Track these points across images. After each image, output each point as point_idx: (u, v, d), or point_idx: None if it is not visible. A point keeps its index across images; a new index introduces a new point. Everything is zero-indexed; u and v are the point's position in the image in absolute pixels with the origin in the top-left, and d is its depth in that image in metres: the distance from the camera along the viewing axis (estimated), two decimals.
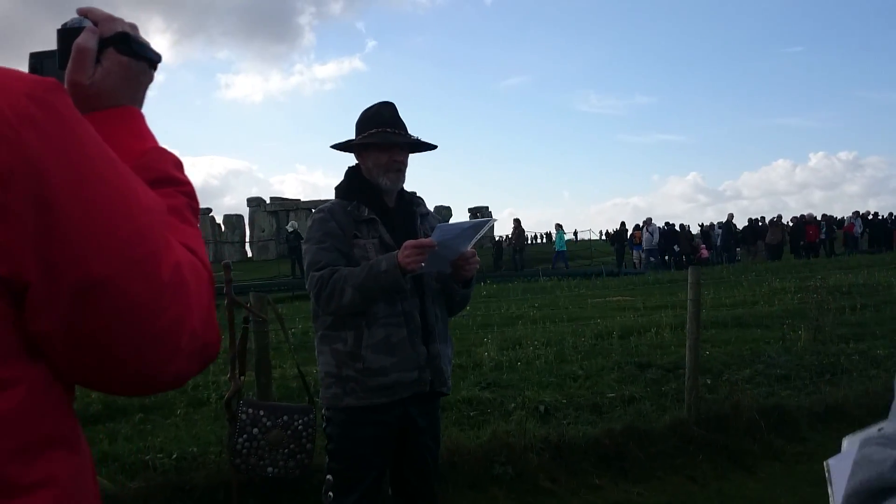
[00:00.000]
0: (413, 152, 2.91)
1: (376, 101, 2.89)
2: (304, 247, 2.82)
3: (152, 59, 1.15)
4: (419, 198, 3.01)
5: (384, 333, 2.69)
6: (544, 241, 50.74)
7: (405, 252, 2.54)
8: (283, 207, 42.87)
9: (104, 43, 1.09)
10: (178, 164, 1.12)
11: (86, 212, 0.81)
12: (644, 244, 26.79)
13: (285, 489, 4.02)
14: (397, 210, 2.89)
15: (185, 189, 1.10)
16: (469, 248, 2.70)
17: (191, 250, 0.98)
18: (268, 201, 43.95)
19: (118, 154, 0.91)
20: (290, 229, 27.16)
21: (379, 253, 2.71)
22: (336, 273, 2.63)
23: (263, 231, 42.68)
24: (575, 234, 51.16)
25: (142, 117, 1.14)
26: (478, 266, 2.78)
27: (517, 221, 28.89)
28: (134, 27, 1.13)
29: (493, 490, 4.34)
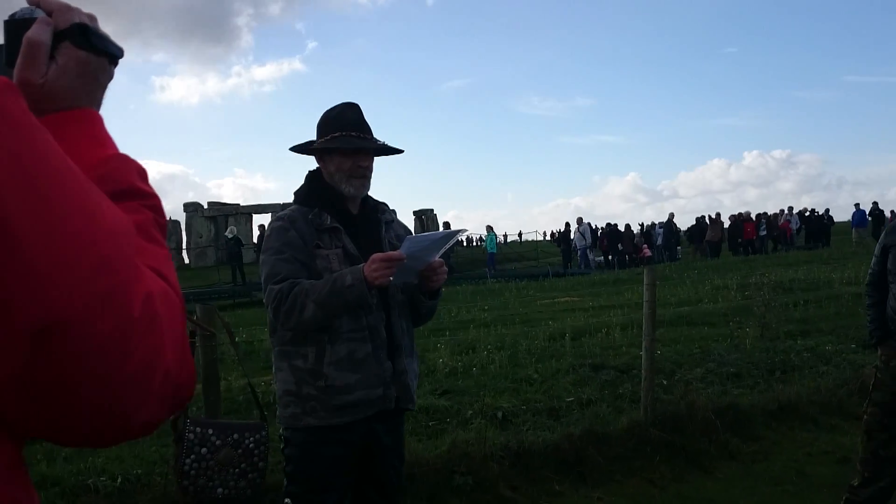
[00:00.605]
0: (377, 156, 2.78)
1: (339, 102, 2.74)
2: (261, 257, 2.66)
3: (113, 55, 1.02)
4: (384, 204, 2.88)
5: (348, 349, 2.56)
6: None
7: (373, 266, 2.41)
8: (221, 212, 41.95)
9: (59, 36, 0.95)
10: (143, 174, 0.99)
11: (45, 238, 0.68)
12: (577, 243, 27.10)
13: None
14: (361, 218, 2.75)
15: (152, 202, 0.97)
16: (437, 258, 2.60)
17: (160, 275, 0.86)
18: (205, 206, 42.98)
19: (76, 163, 0.78)
20: (230, 235, 26.63)
21: (343, 263, 2.58)
22: (296, 286, 2.49)
23: (201, 237, 41.72)
24: (520, 235, 51.48)
25: (101, 120, 1.01)
26: (446, 276, 2.68)
27: (447, 224, 28.74)
28: (93, 18, 0.99)
29: (453, 501, 4.24)
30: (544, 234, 52.90)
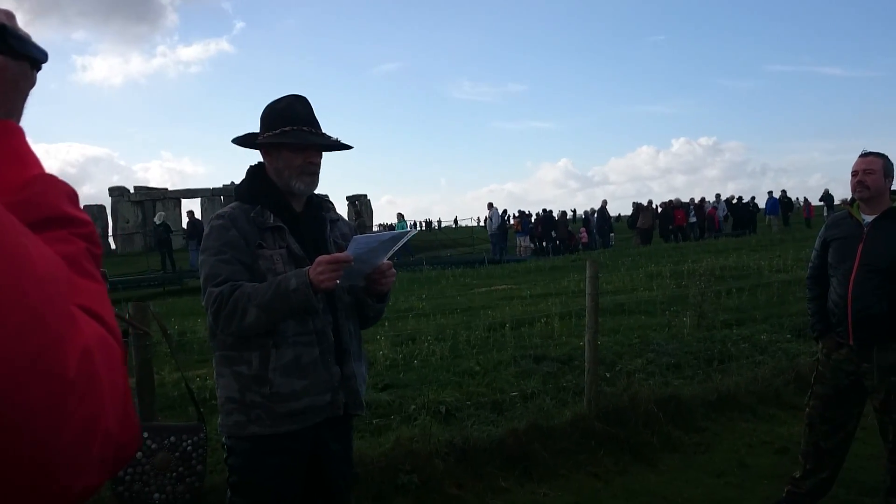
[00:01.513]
0: (325, 151, 2.64)
1: (287, 94, 2.59)
2: (200, 258, 2.50)
3: (36, 58, 0.88)
4: (329, 202, 2.75)
5: (294, 354, 2.43)
6: (423, 228, 50.88)
7: (318, 269, 2.28)
8: (148, 197, 40.79)
9: None
10: (73, 197, 0.86)
11: None
12: (488, 229, 27.40)
13: None
14: (306, 216, 2.61)
15: (84, 231, 0.83)
16: (385, 260, 2.48)
17: (95, 316, 0.73)
18: (132, 191, 41.69)
19: None
20: (159, 221, 25.89)
21: (287, 264, 2.44)
22: (238, 289, 2.34)
23: (128, 222, 40.47)
24: (455, 221, 51.54)
25: (22, 134, 0.86)
26: (394, 279, 2.57)
27: (357, 211, 28.82)
28: (10, 15, 0.85)
29: (399, 500, 4.15)
30: (478, 219, 53.05)
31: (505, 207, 31.16)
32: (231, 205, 2.58)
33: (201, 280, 2.46)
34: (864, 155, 3.81)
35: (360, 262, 2.38)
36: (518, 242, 28.95)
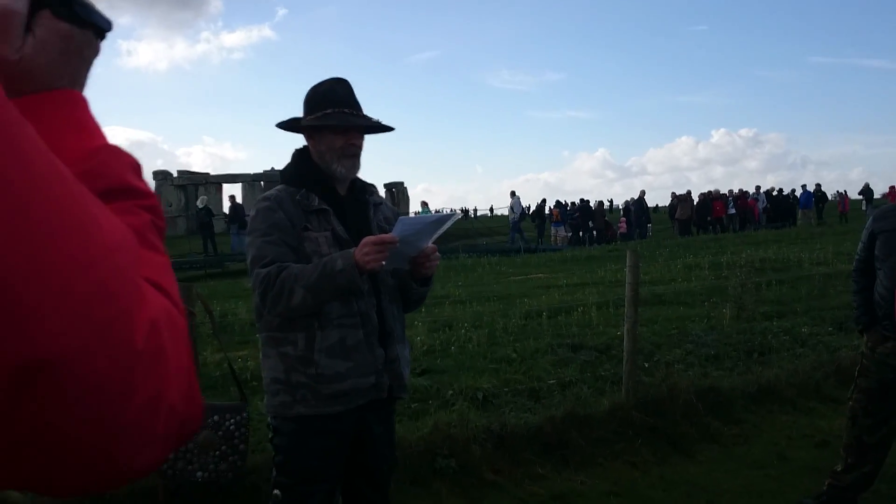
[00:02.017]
0: (367, 134, 2.66)
1: (328, 77, 2.60)
2: (247, 239, 2.54)
3: (101, 27, 0.87)
4: (372, 186, 2.77)
5: (339, 335, 2.46)
6: (460, 215, 50.82)
7: (364, 249, 2.30)
8: (191, 181, 41.28)
9: (37, 4, 0.80)
10: (137, 169, 0.86)
11: (29, 262, 0.55)
12: (509, 218, 27.32)
13: (217, 494, 3.75)
14: (350, 199, 2.64)
15: (148, 203, 0.83)
16: (430, 243, 2.50)
17: (160, 289, 0.73)
18: (175, 175, 42.25)
19: (58, 155, 0.64)
20: (201, 205, 26.20)
21: (332, 247, 2.47)
22: (284, 271, 2.38)
23: (171, 206, 41.03)
24: (491, 209, 51.43)
25: (87, 104, 0.86)
26: (438, 262, 2.58)
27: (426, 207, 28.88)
28: None
29: (437, 484, 4.18)
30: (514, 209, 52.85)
31: (544, 197, 31.13)
32: (277, 188, 2.61)
33: (248, 261, 2.51)
34: None
35: (405, 245, 2.40)
36: (553, 232, 28.81)
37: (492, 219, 42.96)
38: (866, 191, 32.66)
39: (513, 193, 27.47)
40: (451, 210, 27.88)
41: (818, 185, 30.98)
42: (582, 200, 28.76)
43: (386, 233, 2.54)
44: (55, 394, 0.57)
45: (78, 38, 0.84)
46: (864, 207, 32.47)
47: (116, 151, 0.85)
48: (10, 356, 0.55)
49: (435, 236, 2.48)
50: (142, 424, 0.64)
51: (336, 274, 2.32)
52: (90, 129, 0.85)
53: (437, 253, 2.56)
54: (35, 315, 0.55)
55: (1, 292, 0.54)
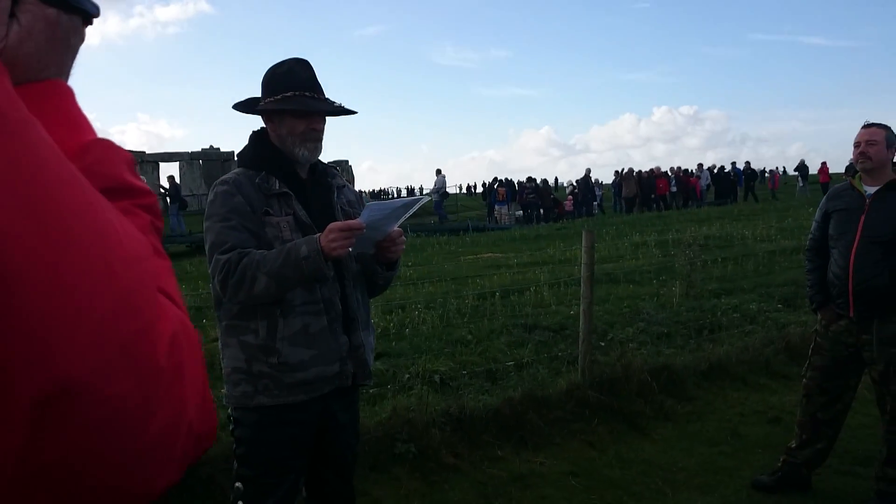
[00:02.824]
0: (329, 116, 2.56)
1: (288, 57, 2.51)
2: (205, 224, 2.42)
3: (88, 12, 0.80)
4: (334, 168, 2.68)
5: (302, 323, 2.38)
6: (393, 196, 50.61)
7: (330, 236, 2.22)
8: None
9: None
10: (131, 164, 0.79)
11: (49, 276, 0.50)
12: (432, 199, 27.42)
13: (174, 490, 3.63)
14: (312, 182, 2.55)
15: (146, 201, 0.77)
16: (396, 227, 2.43)
17: (169, 298, 0.67)
18: None
19: None
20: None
21: (294, 231, 2.39)
22: (246, 257, 2.28)
23: None
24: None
25: (73, 96, 0.79)
26: (404, 246, 2.51)
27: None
28: None
29: (396, 469, 4.14)
30: (460, 187, 52.83)
31: (495, 175, 31.21)
32: (235, 171, 2.51)
33: (206, 247, 2.40)
34: (867, 126, 3.78)
35: (371, 230, 2.33)
36: (498, 211, 28.84)
37: (424, 196, 42.84)
38: (801, 167, 33.29)
39: (438, 171, 27.33)
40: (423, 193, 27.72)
41: (747, 163, 31.19)
42: (530, 179, 28.87)
43: (349, 216, 2.46)
44: (75, 422, 0.52)
45: (65, 25, 0.78)
46: (799, 184, 33.17)
47: (110, 146, 0.78)
48: (32, 387, 0.49)
49: (401, 220, 2.41)
50: (162, 446, 0.60)
51: (300, 261, 2.23)
52: (79, 122, 0.78)
53: (404, 237, 2.49)
54: (57, 337, 0.50)
55: (22, 317, 0.48)
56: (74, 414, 0.52)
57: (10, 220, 0.48)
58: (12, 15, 0.73)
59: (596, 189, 29.58)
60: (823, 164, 31.74)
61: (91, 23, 0.82)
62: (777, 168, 36.32)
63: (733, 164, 31.04)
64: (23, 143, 0.51)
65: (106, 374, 0.53)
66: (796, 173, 34.64)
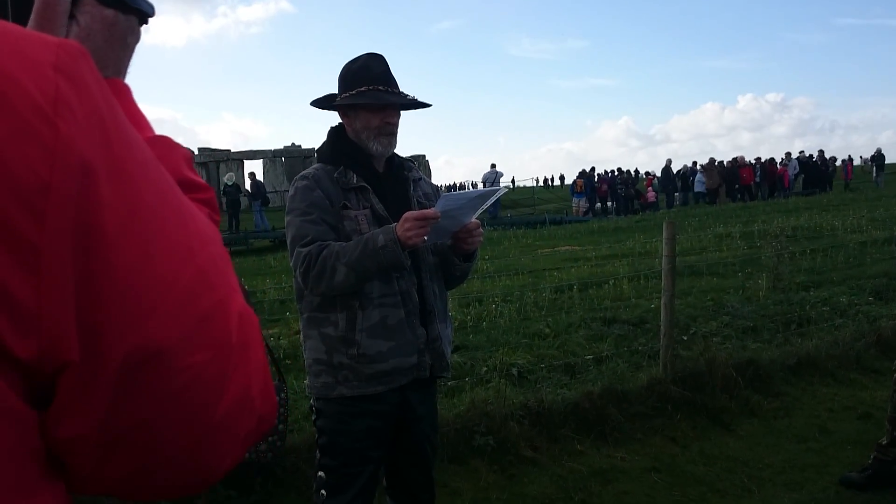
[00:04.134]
0: (404, 110, 2.59)
1: (363, 53, 2.54)
2: (286, 218, 2.49)
3: (145, 13, 0.83)
4: (410, 162, 2.71)
5: (380, 315, 2.41)
6: (467, 189, 50.61)
7: (406, 225, 2.25)
8: (213, 158, 41.31)
9: None
10: (190, 161, 0.82)
11: (142, 249, 0.54)
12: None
13: (257, 475, 3.75)
14: (388, 176, 2.58)
15: (205, 196, 0.80)
16: (473, 218, 2.43)
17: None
18: (196, 152, 42.29)
19: None
20: (230, 182, 26.13)
21: (371, 224, 2.42)
22: (326, 249, 2.33)
23: None
24: (513, 181, 51.23)
25: (131, 94, 0.82)
26: (482, 239, 2.52)
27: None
28: None
29: (475, 462, 4.15)
30: (537, 180, 52.43)
31: (582, 167, 30.63)
32: (314, 166, 2.57)
33: (288, 241, 2.46)
34: None
35: (447, 219, 2.34)
36: (575, 203, 28.50)
37: (514, 191, 42.65)
38: (877, 156, 31.31)
39: (492, 165, 26.85)
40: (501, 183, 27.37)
41: (821, 152, 29.52)
42: (620, 171, 28.39)
43: (425, 208, 2.48)
44: (157, 388, 0.55)
45: (122, 25, 0.81)
46: (874, 174, 31.33)
47: (170, 143, 0.81)
48: (123, 350, 0.53)
49: (479, 211, 2.41)
50: (230, 423, 0.62)
51: (378, 250, 2.27)
52: (138, 120, 0.81)
53: (481, 229, 2.49)
54: (146, 304, 0.54)
55: (117, 283, 0.52)
56: (156, 381, 0.55)
57: (109, 196, 0.51)
58: (72, 16, 0.75)
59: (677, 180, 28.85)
60: None
61: (147, 22, 0.85)
62: (852, 157, 33.53)
63: (821, 151, 29.69)
64: (118, 130, 0.54)
65: (187, 343, 0.56)
66: (871, 163, 32.67)
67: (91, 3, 0.77)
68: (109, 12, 0.79)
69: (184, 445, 0.60)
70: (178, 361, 0.56)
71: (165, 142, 0.80)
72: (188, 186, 0.78)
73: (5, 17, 0.72)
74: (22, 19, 0.71)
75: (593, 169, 29.55)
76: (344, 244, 2.34)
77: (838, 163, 32.45)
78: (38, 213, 0.48)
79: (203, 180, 0.85)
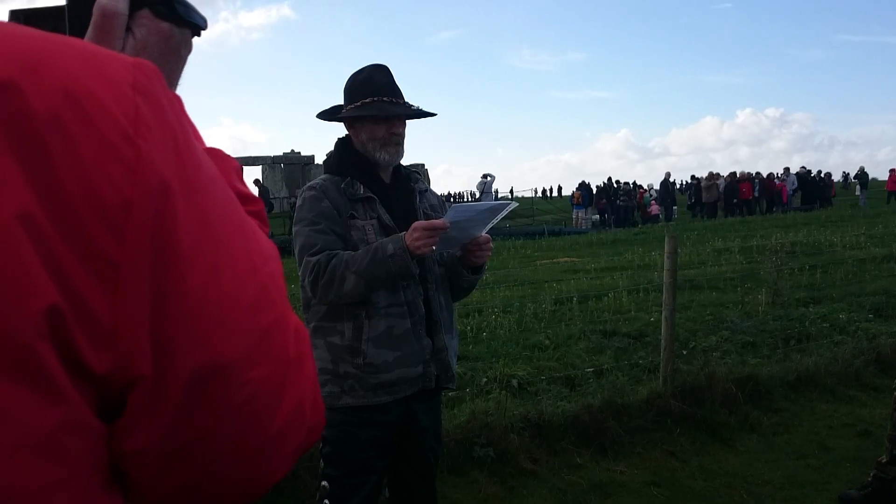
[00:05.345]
0: (409, 120, 2.61)
1: (367, 64, 2.57)
2: (294, 228, 2.51)
3: (199, 25, 0.83)
4: (416, 173, 2.73)
5: (386, 325, 2.42)
6: (470, 199, 50.59)
7: (415, 234, 2.26)
8: None
9: (137, 3, 0.76)
10: (240, 173, 0.83)
11: (211, 265, 0.55)
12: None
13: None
14: (394, 187, 2.60)
15: (255, 208, 0.80)
16: (484, 232, 2.45)
17: None
18: None
19: None
20: None
21: (378, 234, 2.44)
22: (335, 258, 2.34)
23: None
24: (511, 191, 51.27)
25: (184, 106, 0.83)
26: (491, 253, 2.53)
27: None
28: None
29: (475, 473, 4.15)
30: (535, 190, 52.42)
31: (564, 179, 30.59)
32: (321, 176, 2.59)
33: (296, 251, 2.47)
34: None
35: (456, 231, 2.36)
36: (574, 215, 28.51)
37: (513, 201, 42.58)
38: (861, 175, 30.88)
39: (483, 176, 26.50)
40: (507, 198, 27.17)
41: (806, 169, 29.47)
42: (620, 183, 28.45)
43: (431, 220, 2.50)
44: (220, 402, 0.57)
45: (177, 38, 0.82)
46: (857, 192, 31.02)
47: (222, 156, 0.82)
48: (193, 364, 0.54)
49: (489, 225, 2.43)
50: (284, 435, 0.64)
51: (387, 258, 2.28)
52: (195, 133, 0.82)
53: (490, 243, 2.51)
54: (214, 320, 0.55)
55: (188, 298, 0.53)
56: (219, 395, 0.56)
57: (183, 212, 0.53)
58: (128, 29, 0.76)
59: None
60: (893, 171, 29.16)
61: (199, 34, 0.86)
62: (832, 174, 32.74)
63: (819, 172, 29.65)
64: (189, 149, 0.56)
65: (249, 359, 0.57)
66: (855, 181, 32.33)
67: (148, 17, 0.78)
68: (165, 25, 0.79)
69: (240, 457, 0.61)
70: (241, 376, 0.57)
71: (219, 155, 0.81)
72: (241, 199, 0.80)
73: (62, 30, 0.73)
74: (79, 32, 0.72)
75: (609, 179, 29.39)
76: (353, 253, 2.35)
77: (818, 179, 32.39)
78: (119, 230, 0.49)
79: (252, 192, 0.86)
